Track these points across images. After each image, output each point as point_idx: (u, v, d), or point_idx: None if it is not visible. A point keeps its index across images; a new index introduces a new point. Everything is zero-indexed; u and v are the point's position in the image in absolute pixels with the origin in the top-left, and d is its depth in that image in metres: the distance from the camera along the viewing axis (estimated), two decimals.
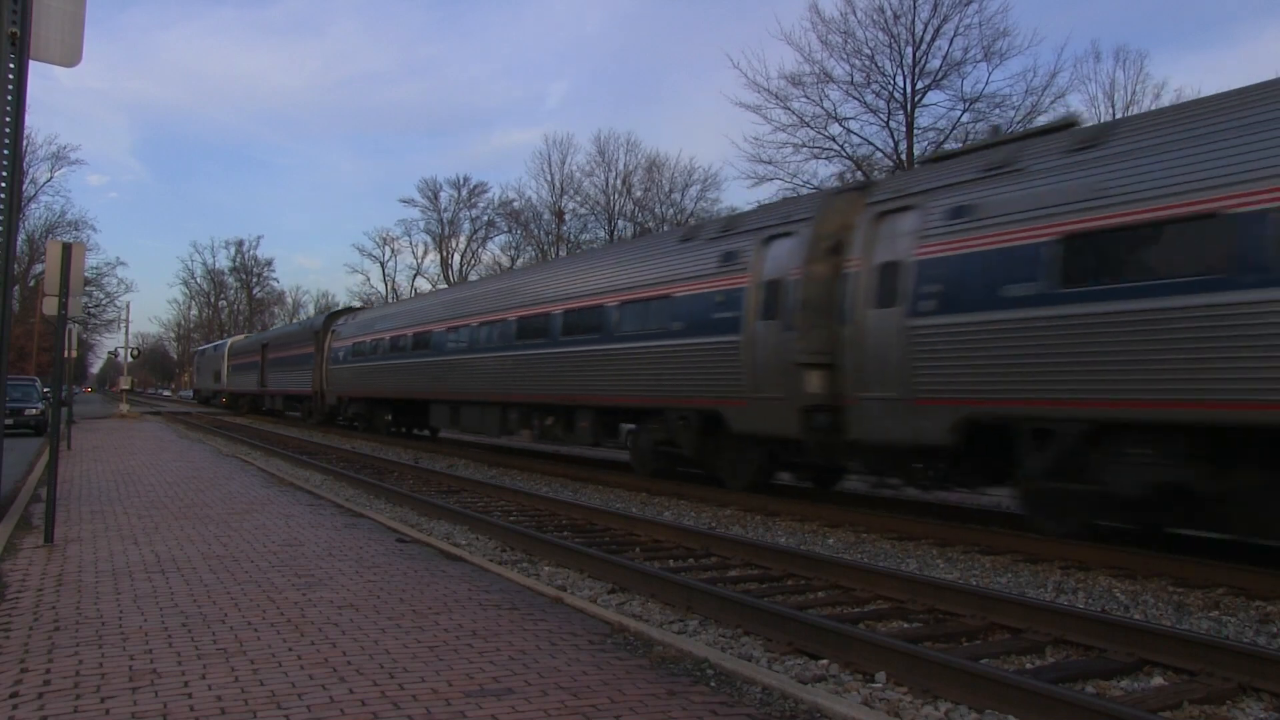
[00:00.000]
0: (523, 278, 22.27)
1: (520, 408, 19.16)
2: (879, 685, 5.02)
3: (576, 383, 16.62)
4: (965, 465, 10.39)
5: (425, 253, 71.83)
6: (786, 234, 12.38)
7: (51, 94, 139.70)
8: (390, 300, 65.26)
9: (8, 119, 5.88)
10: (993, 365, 9.47)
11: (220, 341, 62.39)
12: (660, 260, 15.04)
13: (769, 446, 12.97)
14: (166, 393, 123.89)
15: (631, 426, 16.68)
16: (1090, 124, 11.42)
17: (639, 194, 49.52)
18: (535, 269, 26.37)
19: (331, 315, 36.62)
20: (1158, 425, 8.31)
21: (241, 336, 60.31)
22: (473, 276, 59.62)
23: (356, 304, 53.34)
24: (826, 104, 32.12)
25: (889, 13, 30.35)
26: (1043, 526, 9.55)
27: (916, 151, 30.93)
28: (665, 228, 43.19)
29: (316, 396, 34.72)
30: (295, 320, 74.05)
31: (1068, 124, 10.69)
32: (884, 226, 10.93)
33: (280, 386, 40.61)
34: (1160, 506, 8.53)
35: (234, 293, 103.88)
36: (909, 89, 30.99)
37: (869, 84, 31.39)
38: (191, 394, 78.83)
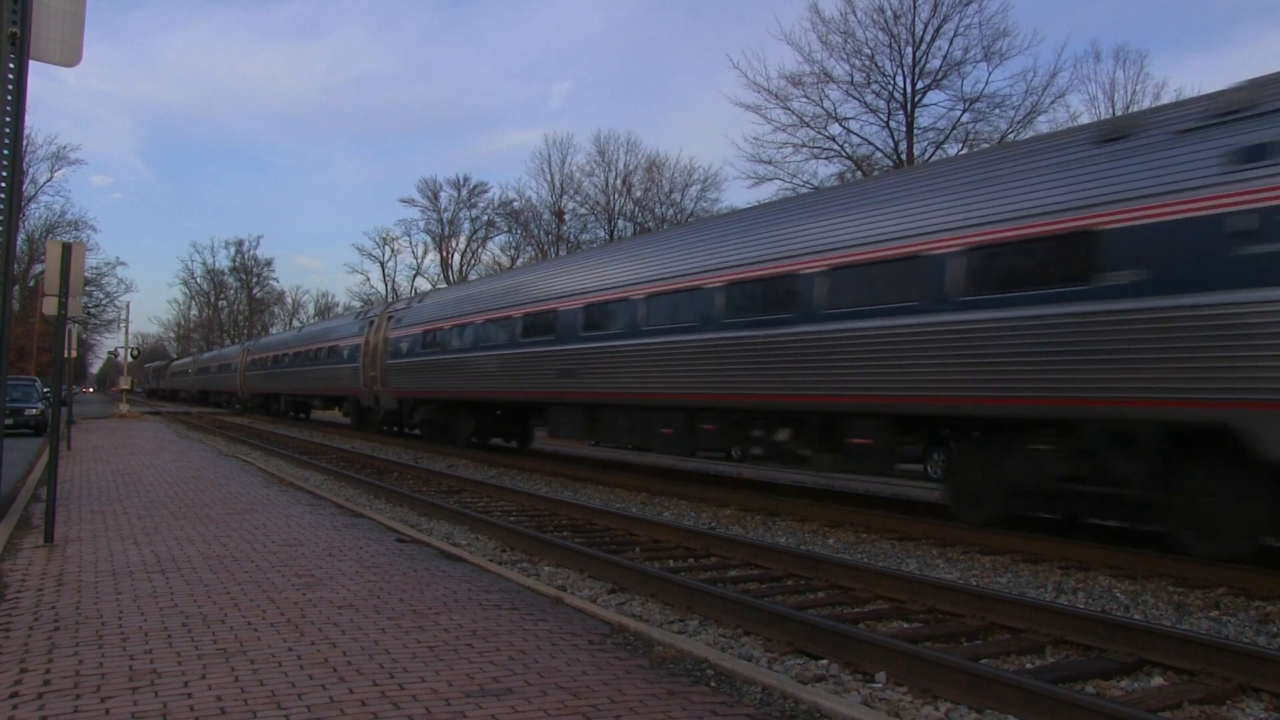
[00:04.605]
0: (787, 213, 13.20)
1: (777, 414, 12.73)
2: (879, 685, 5.02)
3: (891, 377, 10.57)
4: None
5: (425, 253, 71.83)
6: None
7: (56, 95, 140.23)
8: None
9: (8, 119, 5.88)
10: None
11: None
12: (1058, 176, 9.17)
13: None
14: None
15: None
16: None
17: (639, 194, 49.42)
18: (805, 200, 15.17)
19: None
20: None
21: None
22: (472, 276, 58.84)
23: (357, 303, 53.41)
24: (826, 104, 32.07)
25: (889, 13, 30.34)
26: None
27: (916, 151, 30.94)
28: (665, 227, 42.48)
29: (365, 397, 29.36)
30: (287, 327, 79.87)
31: None
32: None
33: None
34: None
35: (234, 293, 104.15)
36: (909, 89, 30.98)
37: (869, 84, 31.37)
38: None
